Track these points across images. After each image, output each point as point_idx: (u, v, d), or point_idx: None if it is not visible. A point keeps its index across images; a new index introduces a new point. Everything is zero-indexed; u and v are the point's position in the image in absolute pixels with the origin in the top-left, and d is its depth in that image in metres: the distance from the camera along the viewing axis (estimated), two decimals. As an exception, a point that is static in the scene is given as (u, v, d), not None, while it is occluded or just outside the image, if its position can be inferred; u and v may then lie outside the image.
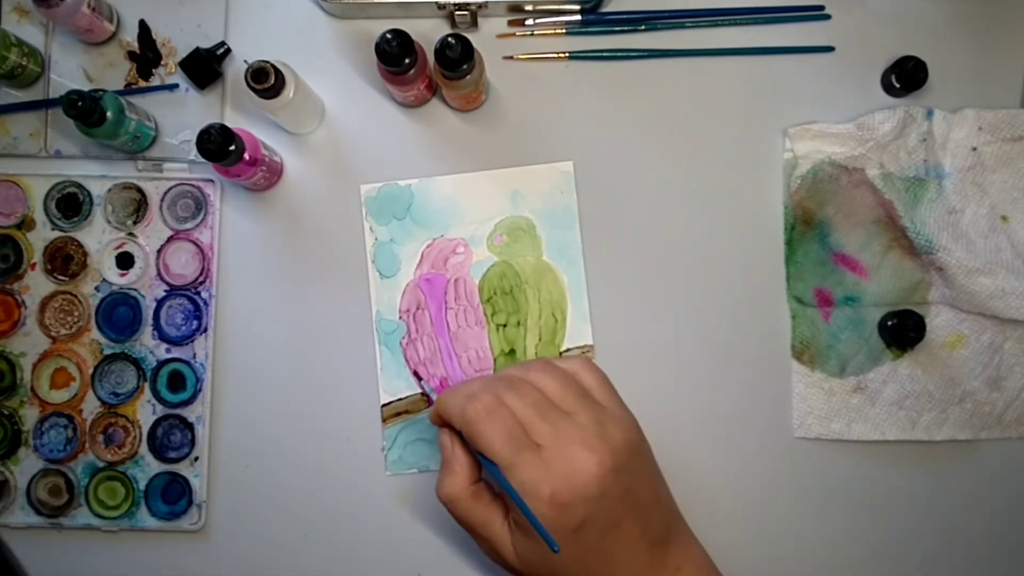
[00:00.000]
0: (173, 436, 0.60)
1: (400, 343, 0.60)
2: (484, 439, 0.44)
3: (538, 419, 0.44)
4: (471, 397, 0.45)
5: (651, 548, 0.46)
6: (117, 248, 0.60)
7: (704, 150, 0.60)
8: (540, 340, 0.60)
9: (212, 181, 0.61)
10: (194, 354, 0.60)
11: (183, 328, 0.60)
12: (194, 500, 0.59)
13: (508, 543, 0.46)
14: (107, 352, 0.60)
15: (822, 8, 0.61)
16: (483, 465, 0.46)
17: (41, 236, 0.60)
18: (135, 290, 0.60)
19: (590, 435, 0.44)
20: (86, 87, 0.60)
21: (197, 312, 0.60)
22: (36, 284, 0.60)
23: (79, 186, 0.60)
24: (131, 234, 0.60)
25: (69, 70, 0.61)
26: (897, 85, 0.59)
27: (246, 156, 0.54)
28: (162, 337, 0.60)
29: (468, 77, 0.54)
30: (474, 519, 0.47)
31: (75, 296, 0.60)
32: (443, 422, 0.48)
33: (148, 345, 0.60)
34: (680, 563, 0.47)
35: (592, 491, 0.43)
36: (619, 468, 0.44)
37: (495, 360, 0.60)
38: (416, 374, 0.59)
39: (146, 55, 0.60)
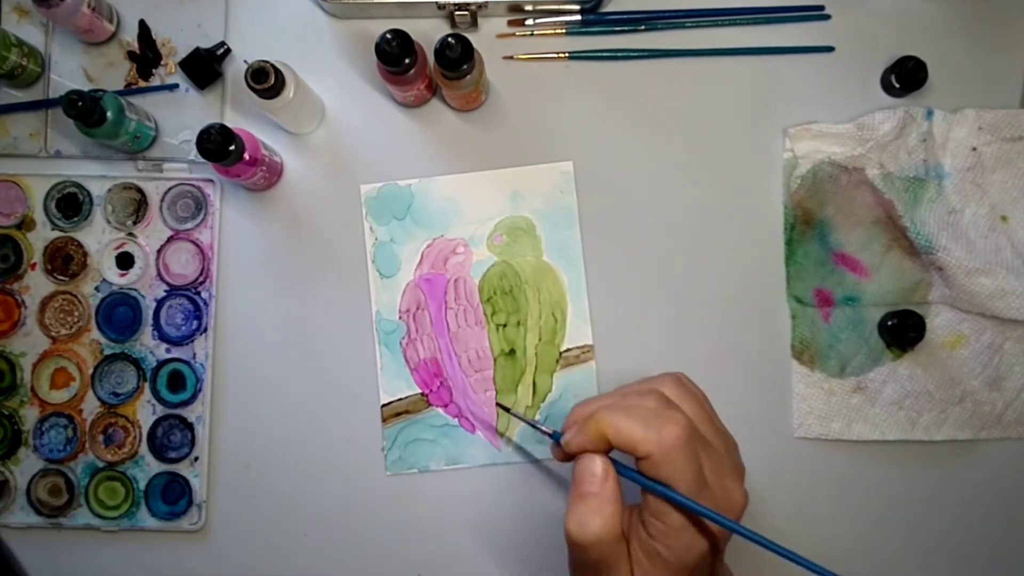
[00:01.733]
0: (173, 436, 0.60)
1: (400, 343, 0.60)
2: (680, 470, 0.39)
3: (701, 450, 0.40)
4: (664, 421, 0.39)
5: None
6: (117, 248, 0.60)
7: (704, 150, 0.60)
8: (540, 340, 0.60)
9: (212, 181, 0.61)
10: (194, 354, 0.60)
11: (183, 328, 0.60)
12: (194, 500, 0.59)
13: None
14: (107, 352, 0.60)
15: (822, 8, 0.61)
16: (658, 493, 0.40)
17: (41, 236, 0.60)
18: (135, 290, 0.60)
19: (734, 467, 0.42)
20: (86, 87, 0.60)
21: (197, 312, 0.60)
22: (36, 284, 0.60)
23: (79, 186, 0.60)
24: (131, 234, 0.60)
25: (69, 70, 0.61)
26: (897, 85, 0.59)
27: (246, 156, 0.54)
28: (162, 337, 0.60)
29: (468, 77, 0.54)
30: (611, 563, 0.41)
31: (75, 296, 0.60)
32: (601, 447, 0.41)
33: (148, 345, 0.60)
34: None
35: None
36: (695, 435, 0.40)
37: (495, 360, 0.60)
38: (504, 407, 0.58)
39: (146, 55, 0.60)
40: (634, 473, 0.41)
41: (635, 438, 0.39)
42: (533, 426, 0.51)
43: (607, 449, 0.41)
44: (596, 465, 0.41)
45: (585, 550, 0.40)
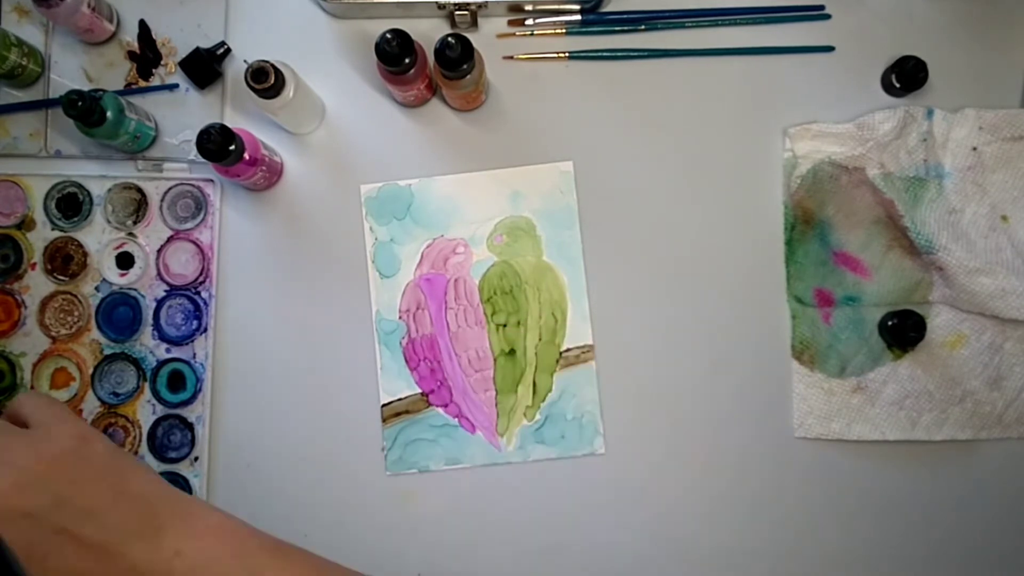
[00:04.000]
0: (173, 436, 0.60)
1: (400, 343, 0.60)
2: None
3: None
4: None
5: (121, 545, 0.44)
6: (117, 248, 0.60)
7: (704, 150, 0.60)
8: (540, 340, 0.59)
9: (212, 181, 0.61)
10: (194, 354, 0.60)
11: (183, 328, 0.60)
12: (194, 500, 0.59)
13: None
14: (107, 352, 0.60)
15: (822, 8, 0.61)
16: None
17: (41, 236, 0.60)
18: (135, 290, 0.60)
19: None
20: (86, 87, 0.60)
21: (197, 312, 0.60)
22: (36, 284, 0.60)
23: (79, 186, 0.60)
24: (131, 234, 0.60)
25: (69, 70, 0.61)
26: (897, 85, 0.59)
27: (246, 156, 0.54)
28: (162, 337, 0.60)
29: (468, 77, 0.54)
30: None
31: (75, 296, 0.60)
32: None
33: (148, 345, 0.60)
34: (179, 546, 0.44)
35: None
36: (31, 485, 0.43)
37: (495, 360, 0.60)
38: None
39: (146, 55, 0.60)
40: None
41: None
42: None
43: None
44: None
45: None
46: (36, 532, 0.43)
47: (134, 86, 0.61)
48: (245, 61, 0.52)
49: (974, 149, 0.59)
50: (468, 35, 0.53)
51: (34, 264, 0.60)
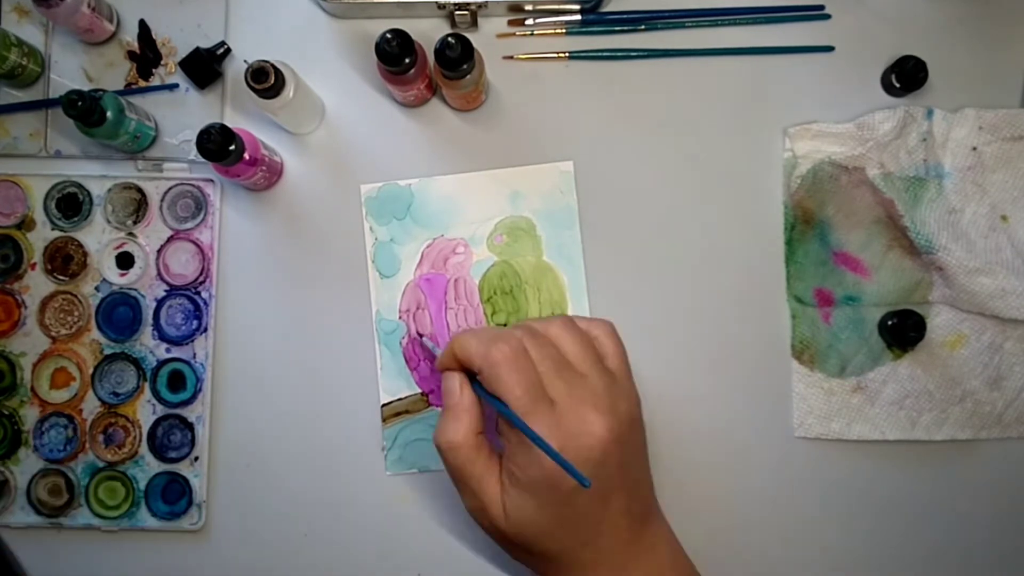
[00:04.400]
0: (173, 436, 0.60)
1: (400, 343, 0.60)
2: (506, 384, 0.43)
3: (555, 375, 0.44)
4: (495, 339, 0.44)
5: (632, 523, 0.46)
6: (117, 248, 0.60)
7: (704, 150, 0.60)
8: (540, 340, 0.59)
9: (212, 181, 0.61)
10: (194, 354, 0.60)
11: (183, 328, 0.60)
12: (194, 500, 0.59)
13: (498, 500, 0.45)
14: (107, 352, 0.60)
15: (822, 8, 0.61)
16: (495, 409, 0.45)
17: (41, 236, 0.60)
18: (135, 290, 0.60)
19: (601, 400, 0.44)
20: (86, 87, 0.60)
21: (197, 312, 0.60)
22: (36, 284, 0.60)
23: (79, 186, 0.60)
24: (131, 234, 0.61)
25: (69, 70, 0.61)
26: (897, 85, 0.59)
27: (246, 156, 0.54)
28: (162, 337, 0.60)
29: (468, 77, 0.54)
30: (471, 471, 0.45)
31: (75, 296, 0.60)
32: (456, 365, 0.47)
33: (148, 345, 0.60)
34: (655, 542, 0.48)
35: (595, 455, 0.43)
36: (622, 439, 0.44)
37: (495, 360, 0.59)
38: (419, 334, 0.59)
39: (146, 55, 0.60)
40: (481, 389, 0.45)
41: (470, 353, 0.45)
42: (431, 349, 0.57)
43: (460, 367, 0.46)
44: (452, 380, 0.46)
45: (444, 456, 0.46)
46: (600, 481, 0.44)
47: (134, 86, 0.61)
48: (245, 61, 0.52)
49: (974, 149, 0.59)
50: (468, 35, 0.53)
51: (34, 264, 0.60)
